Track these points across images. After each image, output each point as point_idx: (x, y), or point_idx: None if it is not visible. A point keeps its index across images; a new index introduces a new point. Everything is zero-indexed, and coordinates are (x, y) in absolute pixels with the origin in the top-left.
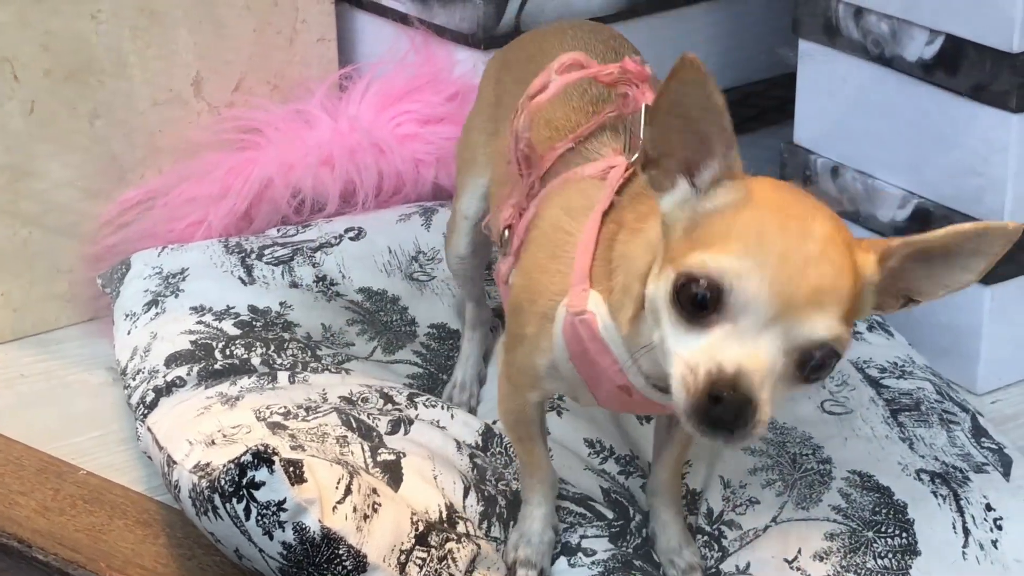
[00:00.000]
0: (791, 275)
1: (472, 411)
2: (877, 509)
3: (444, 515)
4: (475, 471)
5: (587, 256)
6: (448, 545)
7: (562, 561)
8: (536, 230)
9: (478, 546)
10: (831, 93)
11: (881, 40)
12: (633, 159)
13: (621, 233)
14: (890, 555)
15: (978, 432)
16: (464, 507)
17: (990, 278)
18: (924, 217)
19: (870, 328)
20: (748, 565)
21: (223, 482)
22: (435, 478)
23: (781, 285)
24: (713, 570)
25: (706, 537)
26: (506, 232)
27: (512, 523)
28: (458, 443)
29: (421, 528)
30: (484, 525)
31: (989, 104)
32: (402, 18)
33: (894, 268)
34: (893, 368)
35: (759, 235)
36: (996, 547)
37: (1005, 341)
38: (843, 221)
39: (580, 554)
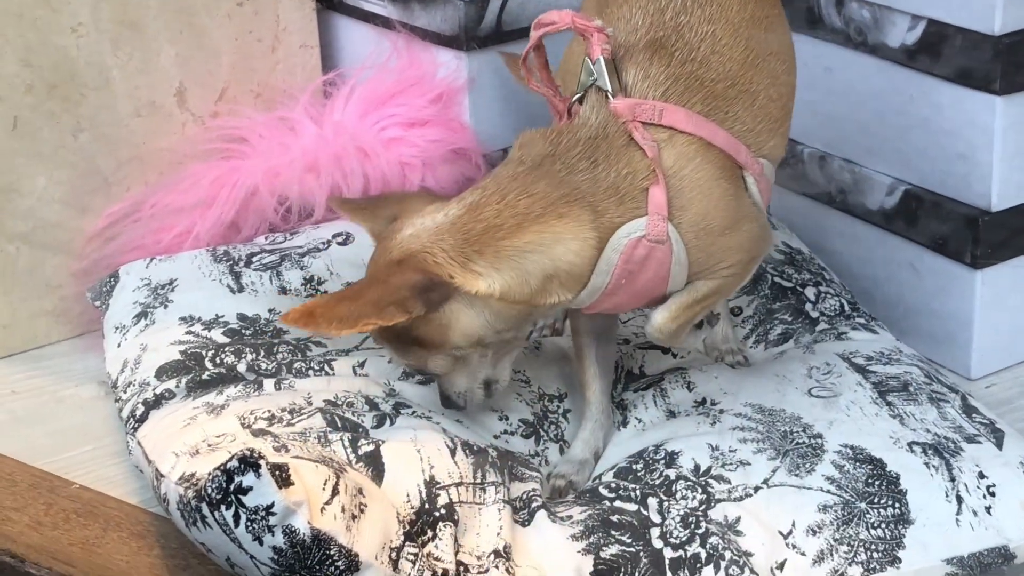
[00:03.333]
0: None
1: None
2: (870, 481)
3: (424, 495)
4: (459, 436)
5: (663, 190)
6: (428, 547)
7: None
8: None
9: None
10: (815, 82)
11: (863, 27)
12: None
13: None
14: (883, 525)
15: (968, 409)
16: (455, 463)
17: (980, 262)
18: (913, 203)
19: (854, 328)
20: (739, 520)
21: (210, 490)
22: (418, 451)
23: None
24: (700, 513)
25: (691, 483)
26: None
27: (507, 471)
28: (444, 427)
29: (408, 526)
30: (479, 475)
31: (973, 88)
32: (384, 22)
33: None
34: (880, 356)
35: None
36: (990, 513)
37: (998, 326)
38: None
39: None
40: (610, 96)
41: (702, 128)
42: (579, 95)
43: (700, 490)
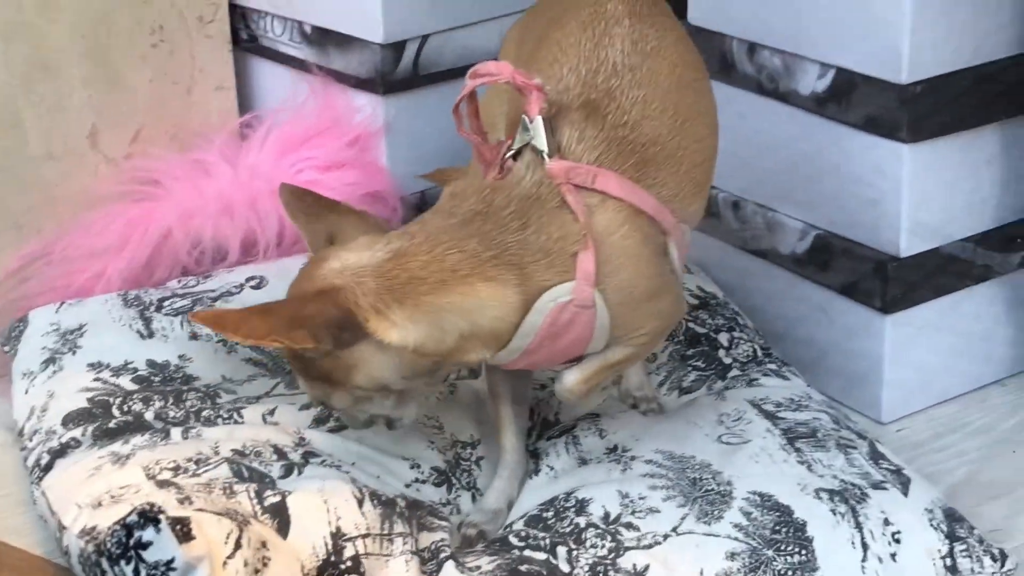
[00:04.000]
0: None
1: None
2: (777, 528)
3: (330, 547)
4: (368, 487)
5: (592, 256)
6: None
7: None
8: None
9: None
10: (729, 128)
11: (775, 75)
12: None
13: None
14: (790, 572)
15: (876, 455)
16: (362, 514)
17: (889, 307)
18: (824, 249)
19: (766, 375)
20: (647, 568)
21: (109, 544)
22: (325, 502)
23: None
24: (609, 562)
25: (600, 531)
26: None
27: (415, 521)
28: (353, 477)
29: None
30: (386, 525)
31: (882, 135)
32: (301, 64)
33: None
34: (789, 403)
35: None
36: (895, 560)
37: (907, 370)
38: None
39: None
40: (546, 157)
41: (633, 194)
42: (514, 151)
43: (610, 538)
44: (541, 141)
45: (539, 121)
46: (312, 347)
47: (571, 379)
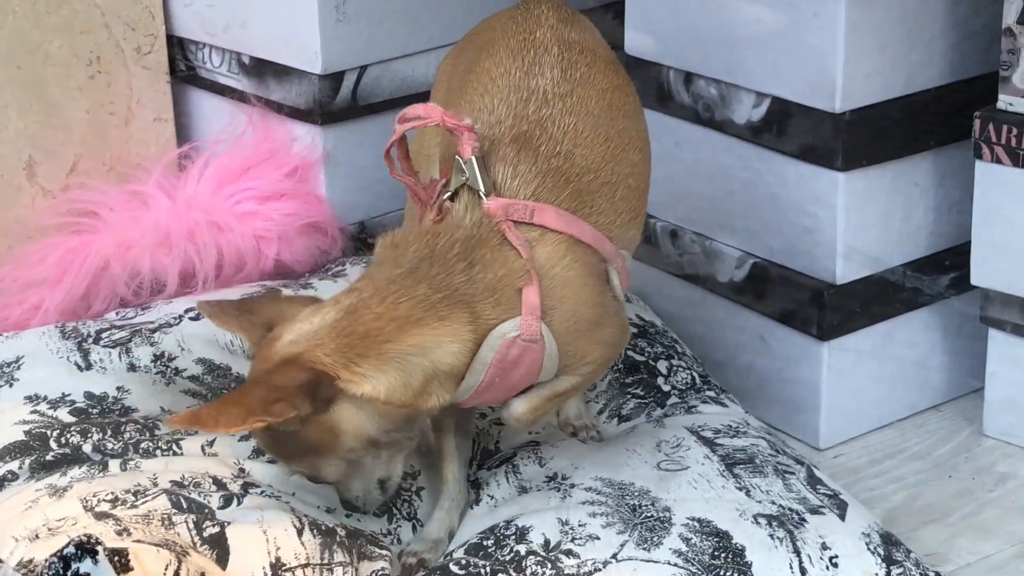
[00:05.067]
0: None
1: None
2: (716, 553)
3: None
4: (307, 516)
5: (537, 290)
6: None
7: None
8: None
9: None
10: (666, 157)
11: (711, 104)
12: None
13: None
14: None
15: (813, 481)
16: (302, 543)
17: (826, 334)
18: (761, 277)
19: (704, 402)
20: None
21: None
22: (264, 532)
23: None
24: None
25: (540, 558)
26: None
27: (356, 550)
28: (293, 507)
29: None
30: (326, 555)
31: (817, 164)
32: (239, 95)
33: None
34: (727, 430)
35: None
36: None
37: (845, 396)
38: None
39: None
40: (483, 196)
41: (571, 226)
42: (450, 193)
43: (550, 565)
44: (477, 181)
45: (473, 161)
46: (293, 416)
47: (519, 408)
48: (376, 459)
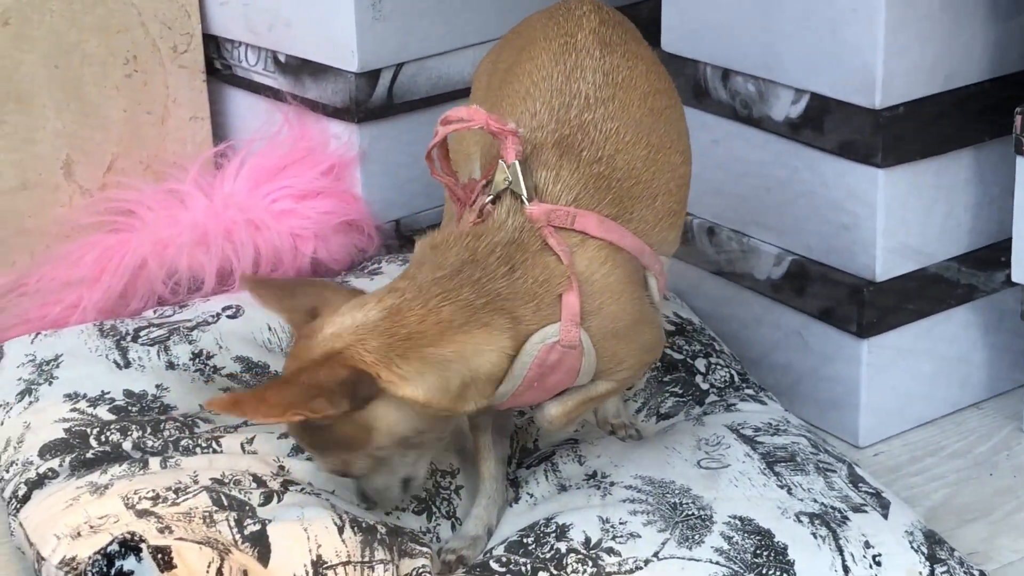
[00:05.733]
0: None
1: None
2: (758, 551)
3: (310, 574)
4: (348, 513)
5: (577, 297)
6: None
7: None
8: None
9: None
10: (704, 154)
11: (749, 100)
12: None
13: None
14: None
15: (855, 479)
16: (343, 541)
17: (866, 331)
18: (800, 274)
19: (743, 400)
20: None
21: (90, 574)
22: (305, 530)
23: None
24: None
25: (581, 556)
26: None
27: (396, 547)
28: (330, 499)
29: None
30: (367, 553)
31: (856, 160)
32: (275, 94)
33: None
34: (767, 428)
35: None
36: None
37: (884, 394)
38: None
39: None
40: (525, 201)
41: (612, 232)
42: (492, 196)
43: (591, 563)
44: (520, 186)
45: (516, 166)
46: (331, 413)
47: (553, 411)
48: (404, 458)
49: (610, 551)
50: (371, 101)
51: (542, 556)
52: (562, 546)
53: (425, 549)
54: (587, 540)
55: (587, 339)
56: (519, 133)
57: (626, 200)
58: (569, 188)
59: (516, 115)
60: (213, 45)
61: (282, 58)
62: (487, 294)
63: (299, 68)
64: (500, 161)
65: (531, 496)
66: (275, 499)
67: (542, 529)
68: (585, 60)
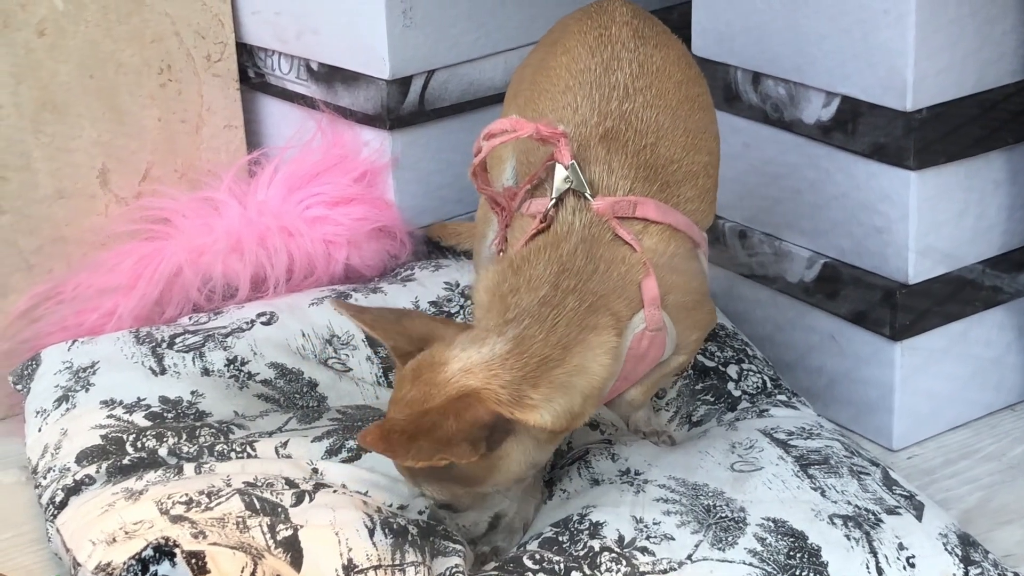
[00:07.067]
0: None
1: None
2: (792, 553)
3: None
4: (379, 512)
5: (655, 282)
6: None
7: None
8: None
9: None
10: (735, 158)
11: (780, 104)
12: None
13: None
14: None
15: (889, 482)
16: (374, 544)
17: (899, 334)
18: (832, 277)
19: (775, 405)
20: None
21: None
22: (336, 534)
23: None
24: None
25: (615, 555)
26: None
27: (428, 548)
28: (363, 499)
29: None
30: (397, 556)
31: (888, 163)
32: (308, 101)
33: None
34: (801, 432)
35: None
36: None
37: (918, 397)
38: None
39: None
40: (589, 198)
41: (669, 216)
42: (553, 200)
43: (625, 562)
44: (582, 185)
45: (575, 166)
46: (474, 458)
47: (635, 392)
48: (507, 492)
49: (644, 550)
50: (403, 108)
51: (575, 554)
52: (595, 544)
53: (458, 547)
54: (620, 539)
55: (667, 319)
56: (568, 134)
57: (672, 185)
58: (623, 179)
59: (557, 110)
60: (246, 54)
61: (314, 66)
62: (587, 298)
63: (331, 76)
64: (558, 164)
65: (564, 492)
66: (307, 499)
67: (576, 526)
68: (620, 52)
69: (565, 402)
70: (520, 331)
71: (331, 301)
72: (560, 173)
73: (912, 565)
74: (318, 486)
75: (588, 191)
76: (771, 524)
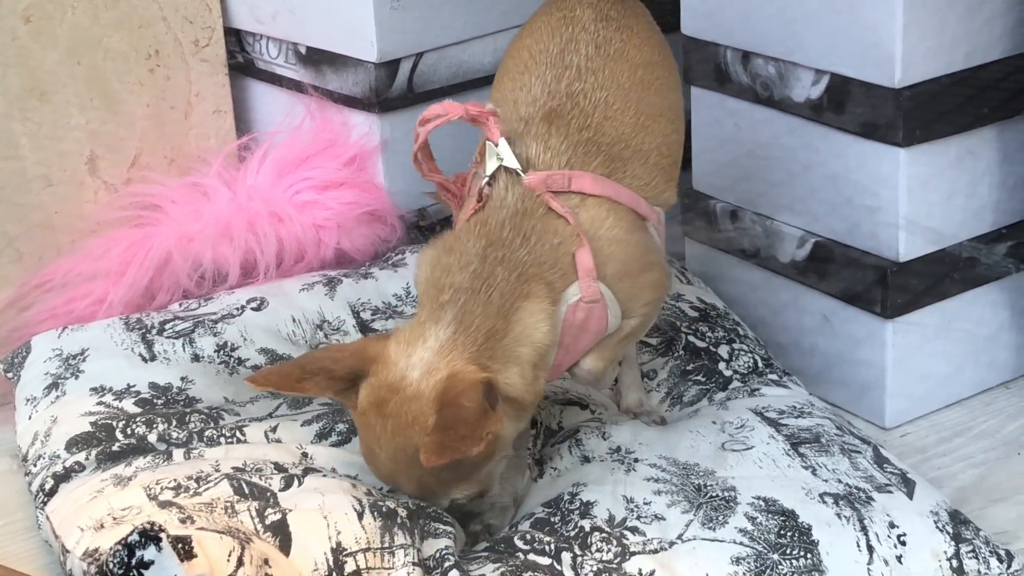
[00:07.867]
0: None
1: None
2: (782, 532)
3: (331, 562)
4: (369, 495)
5: (589, 253)
6: None
7: None
8: None
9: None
10: (725, 138)
11: (769, 83)
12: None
13: None
14: (795, 575)
15: (880, 460)
16: (363, 527)
17: (891, 313)
18: (823, 256)
19: (767, 384)
20: (653, 573)
21: (111, 565)
22: (325, 518)
23: None
24: (615, 566)
25: (605, 535)
26: None
27: (417, 530)
28: (352, 483)
29: None
30: (386, 539)
31: (878, 140)
32: (296, 85)
33: None
34: (792, 410)
35: None
36: (901, 562)
37: (910, 375)
38: None
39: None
40: (520, 173)
41: (607, 188)
42: (487, 178)
43: (615, 542)
44: (511, 160)
45: (504, 142)
46: (497, 428)
47: (589, 362)
48: (497, 468)
49: (634, 530)
50: (391, 91)
51: (566, 534)
52: (586, 524)
53: (448, 528)
54: (611, 518)
55: (606, 290)
56: (498, 112)
57: (617, 161)
58: (560, 154)
59: (515, 90)
60: (234, 39)
61: (302, 50)
62: (516, 267)
63: (319, 59)
64: (488, 142)
65: (555, 469)
66: (296, 483)
67: (567, 505)
68: (580, 34)
69: (518, 370)
70: (458, 309)
71: (244, 380)
72: (491, 150)
73: (903, 543)
74: (307, 470)
75: (518, 166)
76: (762, 503)
